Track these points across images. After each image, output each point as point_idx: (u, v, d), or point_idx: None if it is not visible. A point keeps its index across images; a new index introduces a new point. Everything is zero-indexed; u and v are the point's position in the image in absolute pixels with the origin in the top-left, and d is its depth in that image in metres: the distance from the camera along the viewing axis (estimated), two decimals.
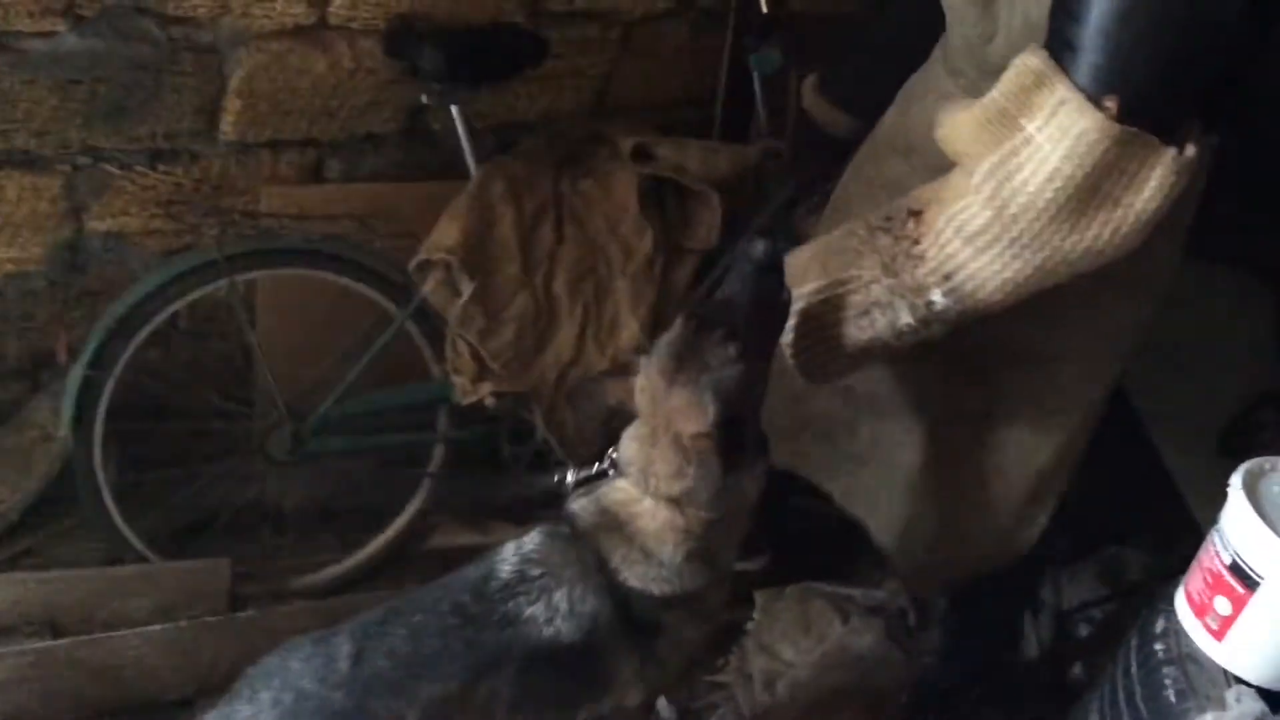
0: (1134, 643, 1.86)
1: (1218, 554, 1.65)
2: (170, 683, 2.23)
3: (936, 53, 1.82)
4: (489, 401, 2.40)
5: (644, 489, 1.59)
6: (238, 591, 2.38)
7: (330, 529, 2.68)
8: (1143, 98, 1.35)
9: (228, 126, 2.36)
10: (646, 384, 1.60)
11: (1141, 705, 1.75)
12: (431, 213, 2.39)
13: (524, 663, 1.57)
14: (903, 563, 2.04)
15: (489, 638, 1.57)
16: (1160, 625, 1.79)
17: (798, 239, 2.52)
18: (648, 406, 1.60)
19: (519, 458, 2.58)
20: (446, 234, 2.32)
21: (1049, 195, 1.39)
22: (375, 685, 1.52)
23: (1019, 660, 2.44)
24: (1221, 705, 1.57)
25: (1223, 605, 1.63)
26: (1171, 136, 1.37)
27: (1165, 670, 1.71)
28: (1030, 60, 1.40)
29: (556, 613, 1.57)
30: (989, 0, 1.57)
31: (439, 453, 2.58)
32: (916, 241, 1.51)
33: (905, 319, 1.54)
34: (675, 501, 1.57)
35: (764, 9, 2.54)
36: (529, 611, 1.57)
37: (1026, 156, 1.39)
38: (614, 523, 1.61)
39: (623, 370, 1.74)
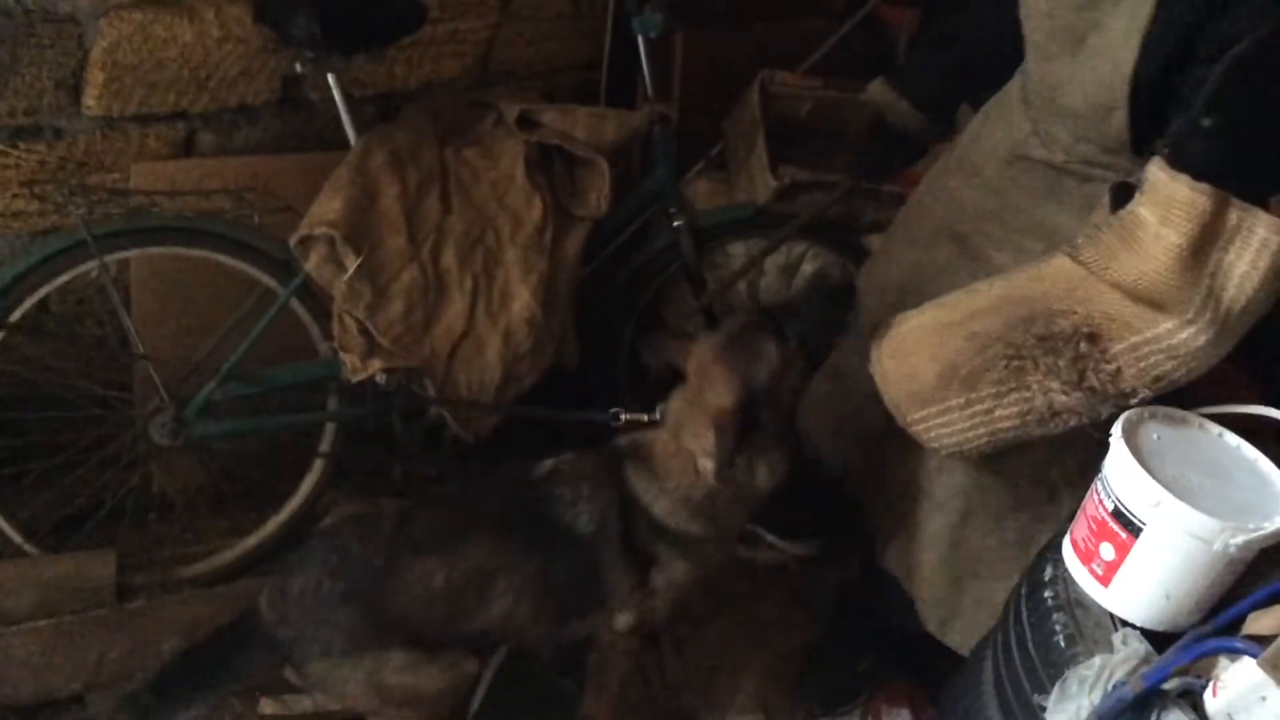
0: (1023, 590, 1.91)
1: (1101, 502, 1.70)
2: (59, 680, 2.17)
3: (1015, 79, 1.91)
4: (380, 378, 2.35)
5: (674, 437, 1.94)
6: (124, 583, 2.30)
7: (220, 514, 2.62)
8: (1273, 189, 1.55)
9: (91, 100, 2.26)
10: (699, 356, 1.93)
11: (1033, 651, 1.80)
12: (311, 186, 2.33)
13: (541, 544, 1.91)
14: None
15: (521, 513, 1.94)
16: (1048, 573, 1.85)
17: (681, 202, 2.55)
18: (695, 374, 1.93)
19: (412, 433, 2.54)
20: (328, 207, 2.26)
21: (1259, 301, 1.55)
22: (411, 547, 1.89)
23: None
24: (1109, 648, 1.62)
25: (1107, 551, 1.68)
26: None
27: (1055, 617, 1.76)
28: (1194, 195, 1.50)
29: (579, 498, 1.94)
30: (1077, 45, 1.67)
31: (330, 431, 2.52)
32: (1104, 355, 1.65)
33: (1105, 412, 1.69)
34: (693, 455, 1.90)
35: None
36: (555, 493, 1.94)
37: (1226, 279, 1.54)
38: (644, 454, 1.97)
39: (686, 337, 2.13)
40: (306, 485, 2.54)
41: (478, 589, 1.90)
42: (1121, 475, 1.65)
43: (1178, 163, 1.53)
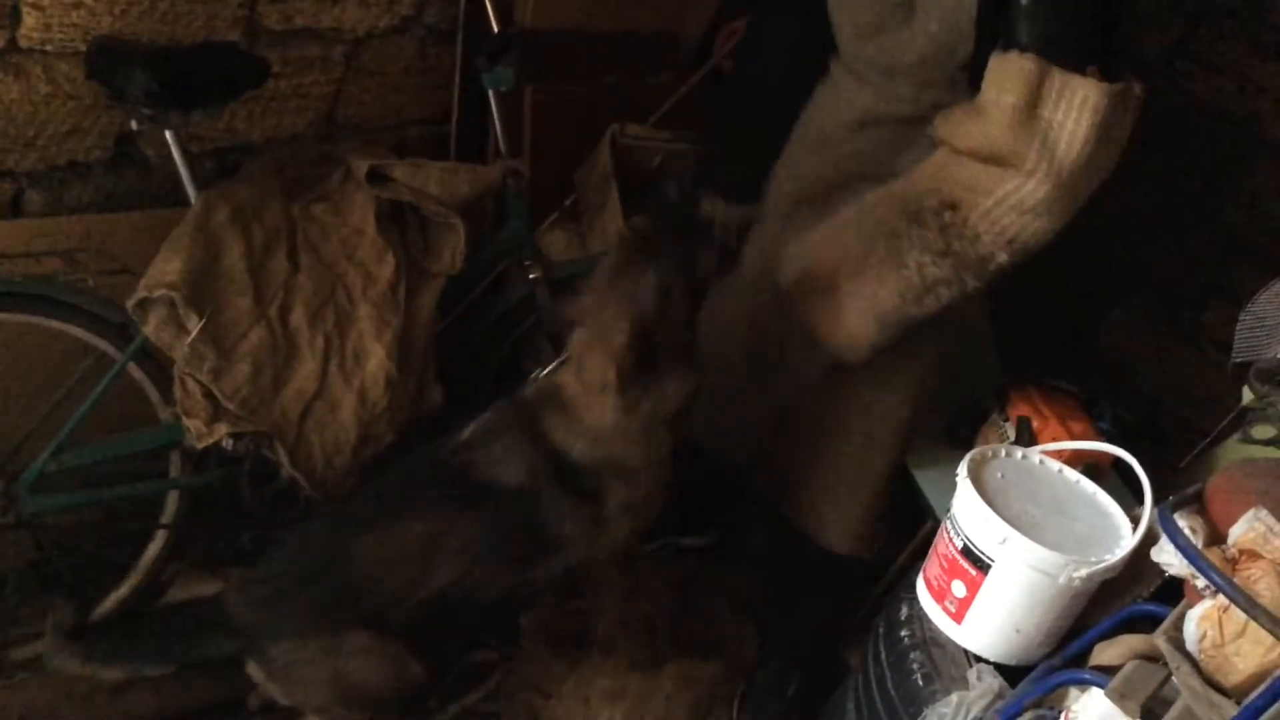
0: (881, 630, 1.95)
1: (951, 540, 1.75)
2: None
3: (834, 72, 2.15)
4: (226, 443, 2.27)
5: (578, 378, 2.00)
6: None
7: (54, 591, 2.46)
8: (1094, 56, 1.76)
9: None
10: (586, 303, 2.01)
11: (892, 691, 1.83)
12: (149, 245, 2.25)
13: (476, 503, 1.99)
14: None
15: (450, 481, 2.02)
16: (904, 612, 1.89)
17: (536, 254, 2.56)
18: (588, 319, 2.00)
19: (263, 498, 2.45)
20: (167, 268, 2.17)
21: (1087, 155, 1.75)
22: (357, 526, 1.99)
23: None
24: (965, 685, 1.66)
25: (959, 588, 1.73)
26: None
27: (912, 655, 1.80)
28: (1021, 62, 1.75)
29: (496, 457, 2.01)
30: (908, 12, 1.92)
31: (173, 501, 2.42)
32: (965, 223, 1.84)
33: (973, 283, 1.89)
34: (596, 391, 1.97)
35: (494, 27, 2.51)
36: (477, 456, 2.02)
37: (1058, 135, 1.75)
38: (553, 398, 2.04)
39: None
40: (148, 558, 2.42)
41: (423, 558, 1.97)
42: (969, 514, 1.70)
43: (1008, 45, 1.78)
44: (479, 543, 2.00)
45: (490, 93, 2.52)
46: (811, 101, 2.22)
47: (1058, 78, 1.74)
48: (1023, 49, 1.76)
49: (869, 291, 1.94)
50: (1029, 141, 1.77)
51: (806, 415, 2.28)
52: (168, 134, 2.18)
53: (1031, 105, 1.76)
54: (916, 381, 2.17)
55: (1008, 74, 1.78)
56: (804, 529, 2.32)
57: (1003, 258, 1.85)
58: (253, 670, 1.98)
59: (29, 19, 2.08)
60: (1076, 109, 1.75)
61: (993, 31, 1.84)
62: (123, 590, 2.40)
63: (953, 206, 1.86)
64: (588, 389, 1.99)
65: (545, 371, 2.19)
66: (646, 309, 1.93)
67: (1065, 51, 1.76)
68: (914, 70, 1.98)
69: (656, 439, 2.06)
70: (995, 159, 1.81)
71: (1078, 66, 1.76)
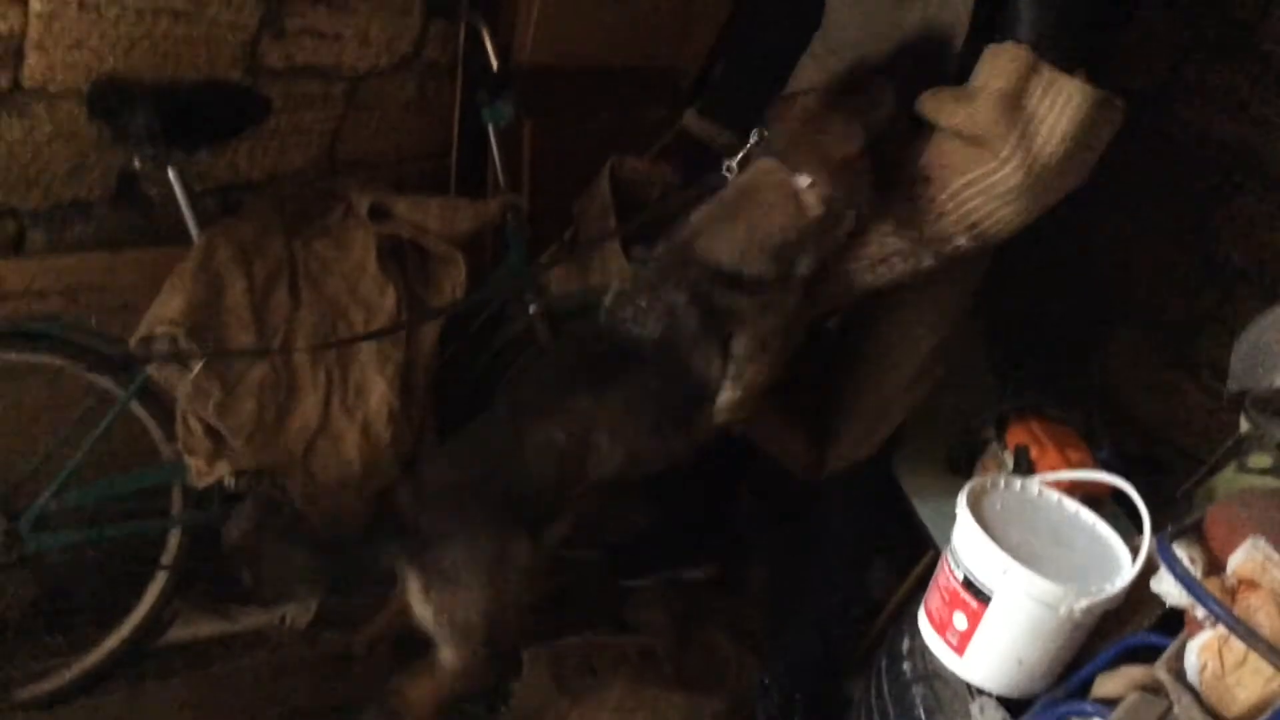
0: (883, 663, 1.95)
1: (952, 572, 1.75)
2: None
3: (817, 49, 2.23)
4: (229, 480, 2.27)
5: (780, 165, 1.90)
6: None
7: (55, 630, 2.46)
8: (1085, 59, 1.82)
9: None
10: (806, 104, 1.93)
11: None
12: (152, 283, 2.25)
13: (624, 369, 1.92)
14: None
15: (596, 351, 1.97)
16: (906, 644, 1.89)
17: (536, 287, 2.57)
18: (799, 127, 1.91)
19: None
20: (170, 305, 2.19)
21: (1063, 152, 1.79)
22: (521, 419, 1.95)
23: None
24: (967, 718, 1.66)
25: (960, 621, 1.73)
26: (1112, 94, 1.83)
27: (914, 689, 1.80)
28: (1014, 50, 1.81)
29: (643, 309, 1.92)
30: (897, 4, 2.00)
31: (174, 539, 2.41)
32: (932, 201, 1.87)
33: (928, 262, 1.93)
34: (796, 193, 1.87)
35: (493, 64, 2.53)
36: (622, 314, 1.95)
37: (1038, 128, 1.79)
38: (742, 198, 1.93)
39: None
40: (149, 597, 2.40)
41: (584, 444, 1.94)
42: (969, 545, 1.71)
43: (1004, 36, 1.85)
44: (632, 411, 1.95)
45: (489, 128, 2.54)
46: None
47: (1047, 72, 1.80)
48: (1014, 40, 1.83)
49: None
50: (1009, 128, 1.81)
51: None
52: (170, 172, 2.19)
53: (1018, 94, 1.81)
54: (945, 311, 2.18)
55: (1000, 61, 1.83)
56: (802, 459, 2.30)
57: (961, 241, 1.90)
58: (412, 579, 1.94)
59: (32, 59, 2.10)
60: (1060, 105, 1.79)
61: (988, 23, 1.90)
62: (124, 629, 2.39)
63: (925, 181, 1.89)
64: (784, 180, 1.89)
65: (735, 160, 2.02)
66: (878, 126, 1.90)
67: (1059, 50, 1.82)
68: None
69: (807, 263, 1.95)
70: (974, 141, 1.84)
71: (1068, 67, 1.81)
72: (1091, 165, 1.86)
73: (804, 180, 1.88)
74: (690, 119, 2.44)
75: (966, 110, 1.84)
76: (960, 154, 1.86)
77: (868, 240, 1.92)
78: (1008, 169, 1.81)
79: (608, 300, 2.01)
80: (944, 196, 1.87)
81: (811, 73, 2.24)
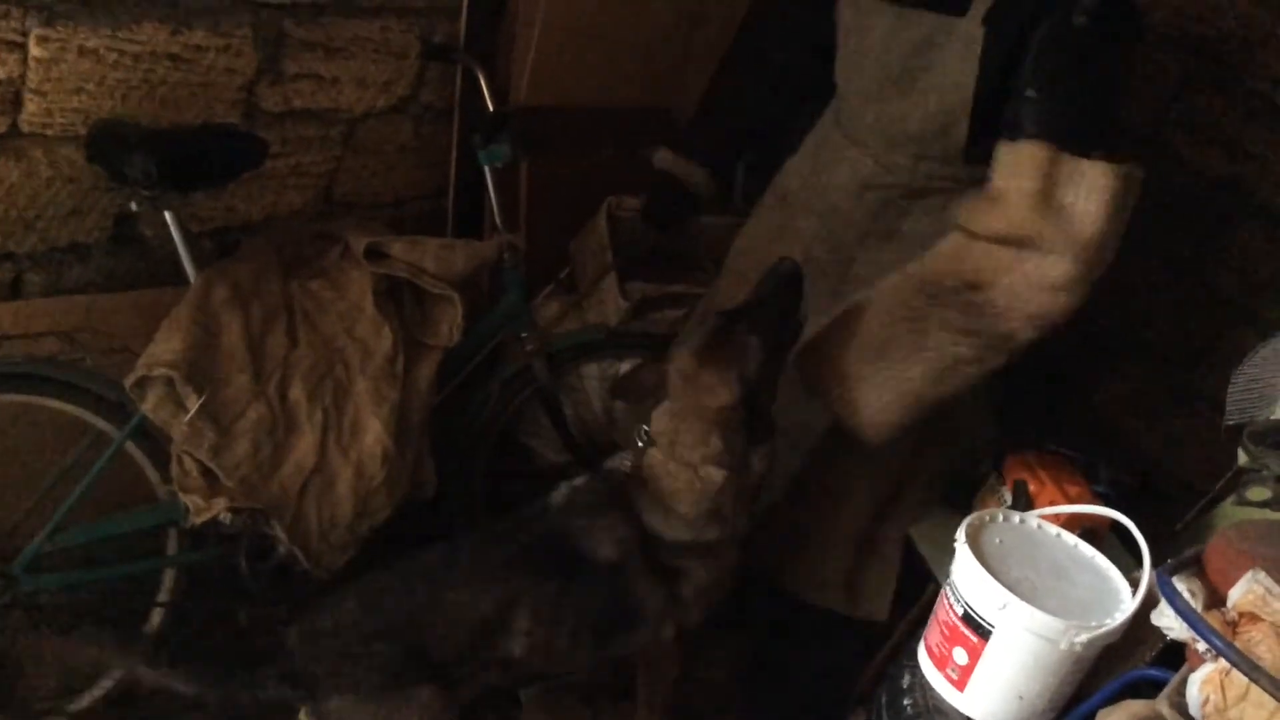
0: (884, 699, 1.93)
1: (951, 606, 1.74)
2: None
3: (829, 126, 2.31)
4: (225, 517, 2.26)
5: (669, 456, 1.99)
6: None
7: (50, 673, 2.44)
8: (1099, 141, 1.87)
9: None
10: (680, 367, 1.99)
11: None
12: (148, 324, 2.26)
13: (569, 572, 1.97)
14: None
15: (543, 544, 1.99)
16: (907, 680, 1.87)
17: (533, 327, 2.58)
18: (679, 386, 1.99)
19: (260, 574, 2.43)
20: (166, 347, 2.19)
21: (1103, 232, 1.85)
22: (443, 584, 1.95)
23: None
24: None
25: (960, 655, 1.72)
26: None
27: None
28: (1032, 149, 1.87)
29: (598, 528, 1.99)
30: (909, 86, 2.04)
31: (170, 578, 2.40)
32: (987, 302, 1.90)
33: (995, 361, 1.95)
34: (694, 467, 1.96)
35: (489, 105, 2.56)
36: (571, 525, 2.01)
37: (1073, 214, 1.84)
38: (641, 479, 2.02)
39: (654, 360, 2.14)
40: (146, 636, 2.39)
41: (503, 620, 1.95)
42: (968, 580, 1.69)
43: (1016, 134, 1.90)
44: (563, 610, 1.98)
45: (486, 169, 2.56)
46: (802, 163, 2.33)
47: (1068, 163, 1.85)
48: (1030, 137, 1.87)
49: (894, 374, 1.99)
50: (1048, 223, 1.86)
51: (806, 477, 2.28)
52: (167, 214, 2.21)
53: (1048, 191, 1.85)
54: (912, 445, 2.18)
55: (1020, 161, 1.88)
56: (808, 596, 2.32)
57: (1028, 334, 1.92)
58: (303, 716, 1.93)
59: (30, 104, 2.12)
60: (1090, 191, 1.84)
61: (988, 116, 1.95)
62: (117, 671, 2.36)
63: (974, 286, 1.92)
64: (681, 464, 1.98)
65: (639, 437, 2.11)
66: (751, 373, 1.95)
67: (1073, 138, 1.86)
68: (912, 142, 2.08)
69: (739, 515, 2.06)
70: (1014, 241, 1.89)
71: (1084, 151, 1.85)
72: (1124, 230, 1.91)
73: (694, 455, 1.97)
74: (665, 156, 2.51)
75: (1002, 214, 1.90)
76: (1003, 254, 1.91)
77: (929, 355, 1.96)
78: (1053, 259, 1.86)
79: (558, 498, 2.07)
80: (997, 294, 1.91)
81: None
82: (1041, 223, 1.86)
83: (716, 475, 1.96)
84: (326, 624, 1.93)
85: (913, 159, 2.12)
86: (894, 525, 2.34)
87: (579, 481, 2.10)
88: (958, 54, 1.98)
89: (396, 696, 1.90)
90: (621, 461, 2.11)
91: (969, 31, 1.96)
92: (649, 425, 2.05)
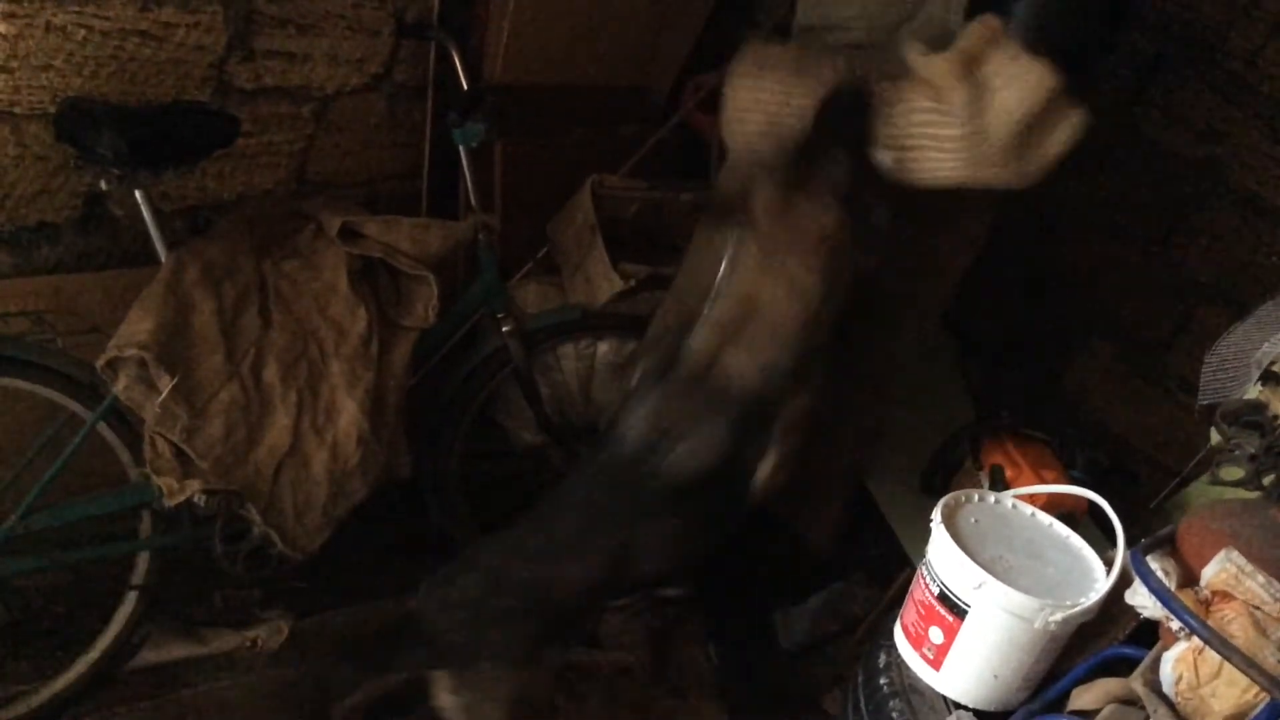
0: (860, 678, 1.95)
1: (927, 586, 1.75)
2: None
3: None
4: (199, 499, 2.25)
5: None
6: None
7: (22, 655, 2.43)
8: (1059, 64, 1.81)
9: None
10: (766, 203, 1.94)
11: None
12: (119, 304, 2.23)
13: (674, 503, 1.99)
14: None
15: (638, 491, 2.01)
16: (883, 659, 1.89)
17: (509, 307, 2.56)
18: (768, 223, 1.94)
19: (235, 556, 2.42)
20: (138, 327, 2.16)
21: (1008, 128, 1.82)
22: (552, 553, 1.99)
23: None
24: None
25: (936, 635, 1.73)
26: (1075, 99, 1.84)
27: (891, 704, 1.80)
28: (988, 19, 1.87)
29: (686, 449, 1.98)
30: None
31: (144, 561, 2.38)
32: (890, 105, 1.91)
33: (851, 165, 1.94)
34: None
35: (464, 84, 2.53)
36: (661, 453, 1.99)
37: (989, 93, 1.83)
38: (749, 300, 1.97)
39: None
40: (119, 620, 2.38)
41: (624, 564, 2.01)
42: (944, 560, 1.71)
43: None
44: (680, 535, 2.03)
45: (461, 148, 2.54)
46: None
47: (1011, 46, 1.86)
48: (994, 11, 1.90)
49: None
50: (960, 83, 1.86)
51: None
52: (137, 194, 2.17)
53: (977, 57, 1.87)
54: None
55: (973, 26, 1.92)
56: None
57: (884, 157, 1.94)
58: (441, 682, 1.95)
59: None
60: (1014, 78, 1.84)
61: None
62: (93, 653, 2.36)
63: (894, 80, 1.95)
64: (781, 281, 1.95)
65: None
66: (845, 185, 1.94)
67: (1027, 33, 1.87)
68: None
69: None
70: (933, 88, 1.90)
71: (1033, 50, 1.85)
72: (1042, 169, 1.89)
73: (793, 262, 1.94)
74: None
75: (932, 61, 1.91)
76: (919, 90, 1.92)
77: None
78: (950, 119, 1.87)
79: (635, 430, 2.04)
80: (900, 109, 1.92)
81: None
82: (955, 79, 1.86)
83: (813, 285, 1.94)
84: (455, 596, 1.98)
85: None
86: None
87: (648, 400, 2.06)
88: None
89: (530, 660, 1.95)
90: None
91: None
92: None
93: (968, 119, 1.85)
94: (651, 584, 2.23)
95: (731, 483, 2.03)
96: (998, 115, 1.84)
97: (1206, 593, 1.49)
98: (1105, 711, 1.51)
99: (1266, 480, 1.84)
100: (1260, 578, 1.45)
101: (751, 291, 1.98)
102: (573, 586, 1.99)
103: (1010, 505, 1.84)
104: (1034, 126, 1.85)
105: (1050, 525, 1.83)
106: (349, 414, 2.38)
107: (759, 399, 1.99)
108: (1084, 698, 1.58)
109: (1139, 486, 2.30)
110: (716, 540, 2.11)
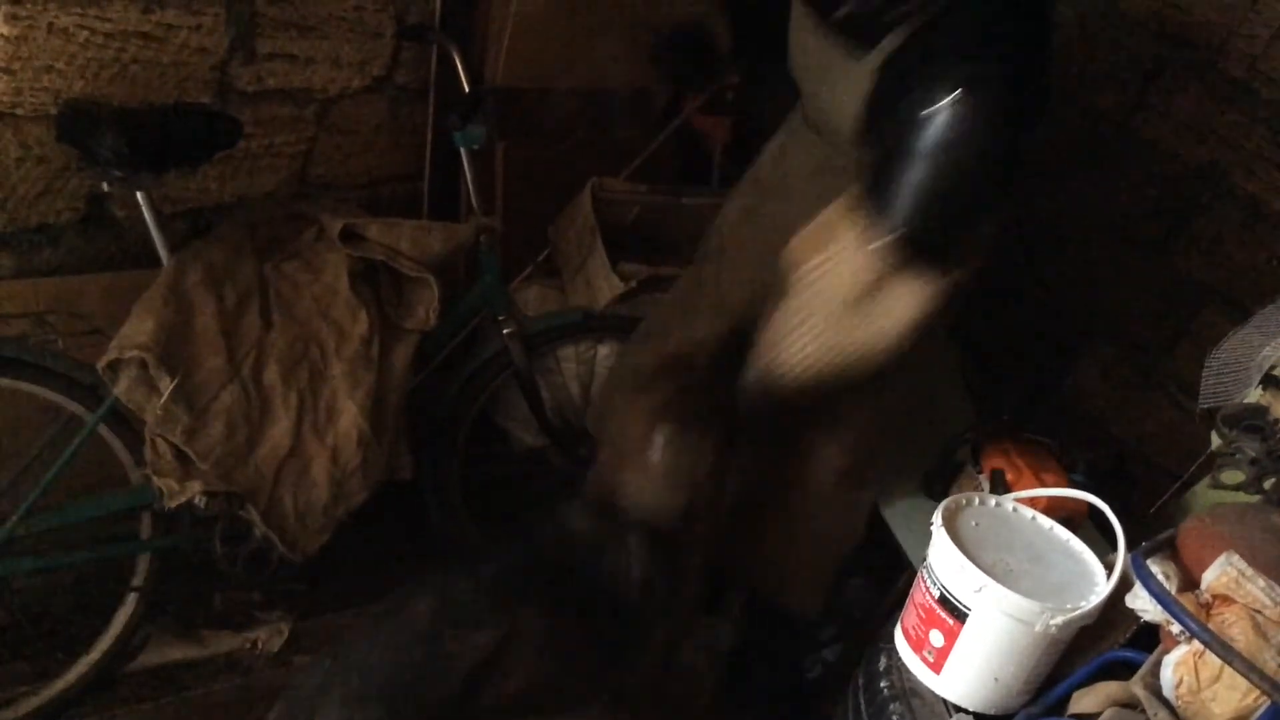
0: (860, 682, 1.94)
1: (928, 589, 1.75)
2: None
3: (796, 109, 2.23)
4: (200, 501, 2.25)
5: None
6: None
7: (22, 656, 2.43)
8: (917, 241, 1.70)
9: None
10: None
11: None
12: (120, 306, 2.24)
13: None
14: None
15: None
16: (883, 662, 1.88)
17: (510, 310, 2.56)
18: None
19: (235, 558, 2.42)
20: (139, 329, 2.17)
21: (836, 303, 1.75)
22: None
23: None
24: None
25: (937, 638, 1.73)
26: (936, 271, 1.72)
27: (892, 707, 1.79)
28: (849, 196, 1.78)
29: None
30: (829, 89, 1.96)
31: (144, 562, 2.38)
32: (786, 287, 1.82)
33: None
34: None
35: (465, 86, 2.53)
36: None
37: (824, 273, 1.76)
38: None
39: None
40: (119, 621, 2.38)
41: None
42: (945, 563, 1.71)
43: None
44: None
45: (462, 150, 2.54)
46: (775, 145, 2.29)
47: (860, 223, 1.74)
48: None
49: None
50: (807, 258, 1.79)
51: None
52: (139, 195, 2.18)
53: (828, 236, 1.78)
54: (858, 432, 2.18)
55: (840, 200, 1.81)
56: (774, 596, 2.32)
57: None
58: None
59: (0, 83, 2.09)
60: (847, 259, 1.75)
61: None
62: (94, 654, 2.36)
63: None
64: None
65: None
66: None
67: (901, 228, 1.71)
68: (840, 133, 2.00)
69: None
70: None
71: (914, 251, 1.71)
72: (886, 343, 1.79)
73: None
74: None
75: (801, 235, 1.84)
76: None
77: None
78: (791, 300, 1.81)
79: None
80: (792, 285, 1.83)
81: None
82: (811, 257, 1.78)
83: None
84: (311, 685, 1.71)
85: (850, 146, 2.00)
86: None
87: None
88: (850, 92, 1.89)
89: None
90: None
91: (860, 76, 1.84)
92: None
93: (799, 298, 1.78)
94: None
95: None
96: (828, 295, 1.76)
97: (1207, 596, 1.49)
98: (1106, 715, 1.51)
99: (1267, 484, 1.84)
100: (1261, 581, 1.45)
101: None
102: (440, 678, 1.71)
103: (1011, 508, 1.84)
104: (865, 307, 1.75)
105: (1051, 529, 1.82)
106: (350, 416, 2.38)
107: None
108: (1084, 701, 1.58)
109: (1140, 490, 2.30)
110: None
